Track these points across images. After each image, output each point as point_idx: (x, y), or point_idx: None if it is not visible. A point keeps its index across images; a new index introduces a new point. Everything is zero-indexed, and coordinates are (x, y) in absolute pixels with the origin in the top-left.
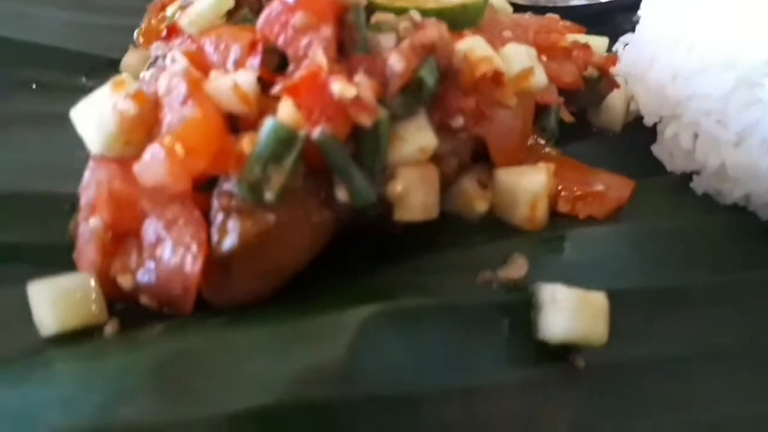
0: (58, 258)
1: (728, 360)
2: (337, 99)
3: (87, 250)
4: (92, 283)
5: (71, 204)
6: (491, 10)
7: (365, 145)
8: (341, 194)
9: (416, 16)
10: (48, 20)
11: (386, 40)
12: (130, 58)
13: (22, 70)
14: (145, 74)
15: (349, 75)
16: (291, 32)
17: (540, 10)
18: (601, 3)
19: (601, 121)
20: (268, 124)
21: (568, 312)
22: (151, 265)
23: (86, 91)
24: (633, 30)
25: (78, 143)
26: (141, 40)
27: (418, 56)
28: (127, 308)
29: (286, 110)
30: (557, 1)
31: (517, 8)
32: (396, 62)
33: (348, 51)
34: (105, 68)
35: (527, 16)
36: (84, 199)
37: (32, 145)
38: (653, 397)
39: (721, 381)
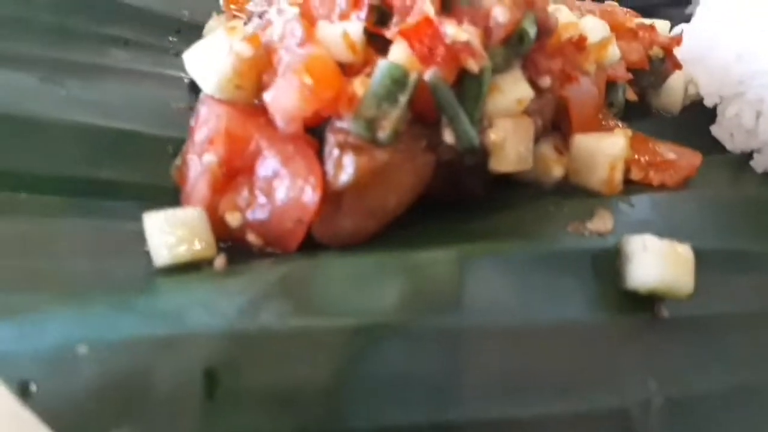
0: (163, 199)
1: None
2: (449, 42)
3: (199, 186)
4: (203, 216)
5: (173, 148)
6: None
7: (469, 91)
8: (448, 136)
9: None
10: None
11: None
12: (213, 23)
13: (113, 28)
14: (248, 28)
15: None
16: None
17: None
18: None
19: (661, 102)
20: (382, 64)
21: (659, 260)
22: (263, 200)
23: (173, 51)
24: (685, 22)
25: (171, 97)
26: (226, 4)
27: (521, 9)
28: (231, 247)
29: (401, 52)
30: None
31: None
32: (501, 14)
33: (452, 3)
34: (190, 31)
35: (588, 1)
36: (199, 135)
37: (129, 93)
38: (733, 350)
39: None
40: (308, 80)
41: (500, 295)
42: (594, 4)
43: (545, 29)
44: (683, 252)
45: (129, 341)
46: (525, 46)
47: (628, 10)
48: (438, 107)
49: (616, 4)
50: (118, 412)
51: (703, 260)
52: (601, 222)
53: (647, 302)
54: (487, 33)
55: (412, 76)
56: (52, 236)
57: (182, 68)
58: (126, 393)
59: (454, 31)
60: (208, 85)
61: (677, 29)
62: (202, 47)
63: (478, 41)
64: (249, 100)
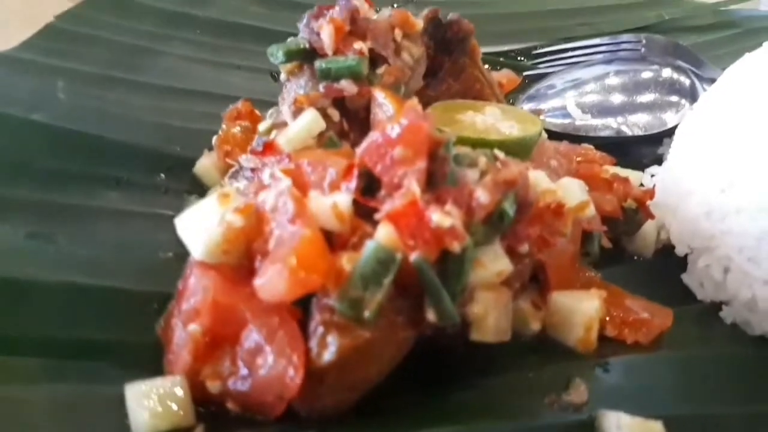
0: (146, 357)
1: None
2: (434, 227)
3: (182, 354)
4: (184, 386)
5: (158, 304)
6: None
7: (451, 269)
8: (430, 314)
9: (500, 154)
10: (129, 121)
11: (471, 173)
12: (205, 161)
13: (105, 167)
14: (238, 185)
15: (437, 204)
16: (389, 162)
17: (573, 139)
18: (626, 136)
19: (635, 247)
20: (369, 245)
21: None
22: (245, 372)
23: (163, 189)
24: (657, 162)
25: (160, 243)
26: (223, 147)
27: (501, 190)
28: (209, 412)
29: (387, 234)
30: (587, 131)
31: (551, 135)
32: (482, 195)
33: (437, 182)
34: (180, 168)
35: (565, 144)
36: (185, 305)
37: (117, 241)
38: None
39: None
40: (298, 268)
41: None
42: (570, 148)
43: (525, 204)
44: (655, 429)
45: None
46: (505, 224)
47: (602, 154)
48: (422, 286)
49: (591, 147)
50: None
51: (674, 429)
52: (577, 394)
53: None
54: (469, 212)
55: (398, 257)
56: (27, 406)
57: (171, 206)
58: None
59: (438, 217)
60: (198, 250)
61: (649, 170)
62: (193, 214)
63: (460, 223)
64: (236, 263)
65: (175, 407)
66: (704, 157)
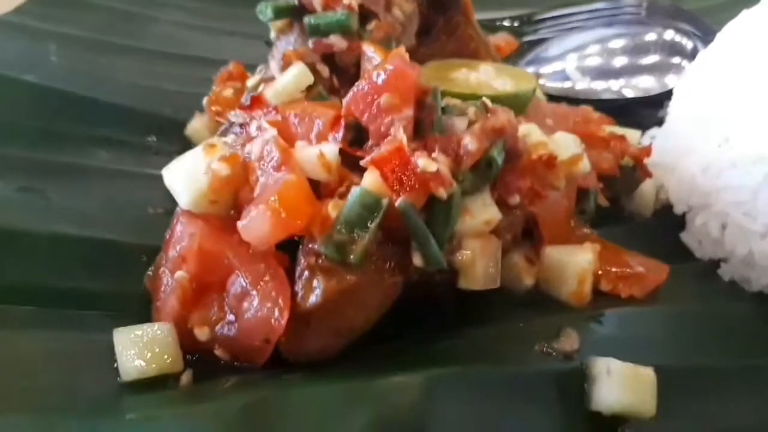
0: (135, 307)
1: None
2: (419, 172)
3: (169, 300)
4: (172, 333)
5: (147, 257)
6: (534, 98)
7: (438, 216)
8: (417, 259)
9: (488, 102)
10: (121, 84)
11: (459, 122)
12: (196, 123)
13: (96, 127)
14: (226, 139)
15: (426, 152)
16: (375, 110)
17: (572, 101)
18: (627, 98)
19: (633, 206)
20: (355, 191)
21: (621, 384)
22: (231, 317)
23: (154, 150)
24: (658, 124)
25: (151, 200)
26: (212, 107)
27: (489, 138)
28: (199, 359)
29: (373, 179)
30: (587, 94)
31: (551, 98)
32: (470, 142)
33: (425, 130)
34: (171, 130)
35: (563, 105)
36: (172, 252)
37: (108, 197)
38: None
39: None
40: (280, 210)
41: (467, 422)
42: (568, 109)
43: (514, 154)
44: (646, 375)
45: None
46: (493, 172)
47: (601, 115)
48: (409, 232)
49: (590, 108)
50: None
51: (669, 379)
52: (568, 342)
53: (612, 424)
54: (457, 160)
55: (384, 202)
56: (21, 351)
57: (162, 166)
58: None
59: (424, 162)
60: (184, 200)
61: (650, 132)
62: (179, 164)
63: (447, 169)
64: (224, 213)
65: (162, 353)
66: (701, 114)
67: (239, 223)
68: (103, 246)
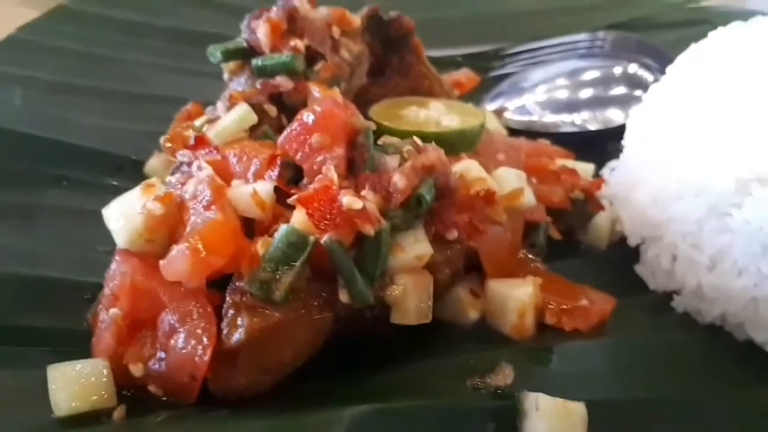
0: (76, 344)
1: None
2: (345, 210)
3: (104, 337)
4: (106, 369)
5: (91, 294)
6: (487, 132)
7: (367, 252)
8: (343, 295)
9: (418, 141)
10: (83, 125)
11: (391, 160)
12: (154, 161)
13: (55, 167)
14: (171, 178)
15: (357, 190)
16: (308, 150)
17: (532, 135)
18: (589, 131)
19: (588, 239)
20: (282, 229)
21: (549, 419)
22: (162, 354)
23: (112, 189)
24: (619, 157)
25: (101, 238)
26: (167, 145)
27: (418, 176)
28: (134, 395)
29: (299, 218)
30: (549, 128)
31: (512, 132)
32: (399, 180)
33: (357, 168)
34: (130, 169)
35: (521, 139)
36: (107, 289)
37: (58, 236)
38: None
39: None
40: (201, 249)
41: None
42: (525, 142)
43: (447, 190)
44: (575, 410)
45: None
46: (423, 209)
47: (558, 149)
48: (333, 270)
49: (548, 142)
50: None
51: (602, 413)
52: (501, 377)
53: None
54: (387, 197)
55: (310, 240)
56: None
57: None
58: None
59: (349, 200)
60: (120, 238)
61: (610, 164)
62: (117, 203)
63: (375, 207)
64: (160, 252)
65: (96, 388)
66: (652, 145)
67: (160, 262)
68: (47, 283)
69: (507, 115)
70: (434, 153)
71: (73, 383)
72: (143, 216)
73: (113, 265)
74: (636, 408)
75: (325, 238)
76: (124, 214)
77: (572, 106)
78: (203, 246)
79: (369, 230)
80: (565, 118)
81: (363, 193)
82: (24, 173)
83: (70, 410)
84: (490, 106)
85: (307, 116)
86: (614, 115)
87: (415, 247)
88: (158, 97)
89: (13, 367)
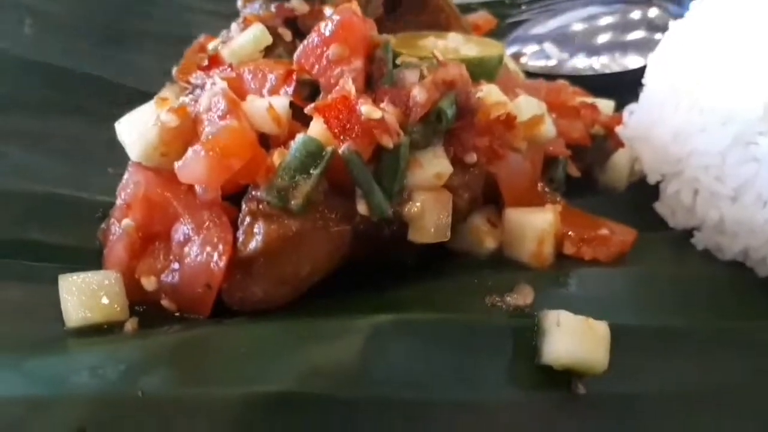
0: (87, 261)
1: (722, 401)
2: (363, 119)
3: (116, 249)
4: (118, 280)
5: (102, 212)
6: (506, 68)
7: (386, 166)
8: (361, 207)
9: (439, 54)
10: (96, 55)
11: (411, 75)
12: (166, 92)
13: (68, 96)
14: (185, 98)
15: (375, 104)
16: (325, 62)
17: (550, 78)
18: (608, 73)
19: (607, 178)
20: (299, 138)
21: (572, 336)
22: (176, 265)
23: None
24: (638, 100)
25: (113, 162)
26: (179, 75)
27: (439, 90)
28: (146, 311)
29: (317, 127)
30: (567, 72)
31: (529, 75)
32: (419, 93)
33: (375, 83)
34: (142, 102)
35: (539, 80)
36: (119, 200)
37: (70, 158)
38: (649, 429)
39: (713, 421)
40: (217, 150)
41: (407, 368)
42: (544, 83)
43: (467, 109)
44: (598, 328)
45: (4, 400)
46: (443, 125)
47: (577, 89)
48: (351, 182)
49: (566, 83)
50: None
51: (624, 337)
52: (521, 296)
53: (564, 379)
54: (406, 112)
55: (327, 150)
56: None
57: None
58: None
59: (368, 109)
60: (134, 152)
61: (628, 107)
62: (131, 117)
63: (394, 119)
64: (174, 168)
65: (108, 299)
66: (673, 83)
67: (176, 164)
68: (58, 201)
69: (524, 60)
70: (455, 68)
71: (85, 293)
72: (157, 128)
73: (126, 176)
74: (657, 335)
75: (343, 148)
76: (138, 127)
77: (591, 50)
78: (220, 149)
79: (388, 142)
80: (584, 62)
81: (382, 105)
82: (36, 100)
83: (81, 321)
84: (508, 51)
85: (324, 26)
86: (633, 60)
87: (435, 164)
88: (170, 34)
89: (25, 281)
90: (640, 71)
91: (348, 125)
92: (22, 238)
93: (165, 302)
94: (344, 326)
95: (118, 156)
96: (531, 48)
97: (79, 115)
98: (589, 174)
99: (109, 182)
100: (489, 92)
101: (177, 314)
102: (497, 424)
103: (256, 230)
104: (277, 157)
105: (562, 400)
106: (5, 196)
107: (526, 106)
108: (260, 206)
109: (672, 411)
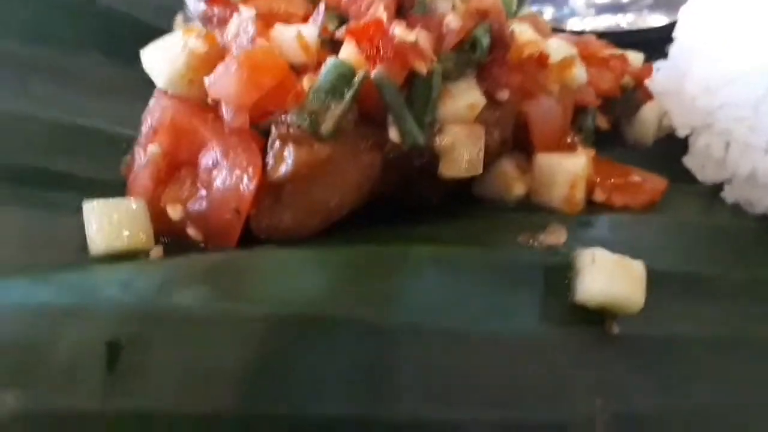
0: (112, 192)
1: (755, 348)
2: (396, 42)
3: (141, 177)
4: (143, 207)
5: (127, 144)
6: (534, 17)
7: (418, 94)
8: (393, 133)
9: None
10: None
11: (443, 4)
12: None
13: (93, 31)
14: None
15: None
16: None
17: (577, 34)
18: (634, 30)
19: (634, 132)
20: (330, 61)
21: (607, 274)
22: (203, 192)
23: None
24: (665, 57)
25: (139, 97)
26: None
27: (473, 19)
28: (172, 242)
29: (348, 50)
30: (595, 28)
31: (555, 32)
32: (453, 20)
33: (406, 12)
34: None
35: (566, 34)
36: (145, 126)
37: (98, 92)
38: (683, 372)
39: (747, 367)
40: (249, 66)
41: (438, 296)
42: (570, 36)
43: (501, 41)
44: (634, 267)
45: (33, 308)
46: (477, 54)
47: (604, 43)
48: (384, 106)
49: (593, 36)
50: (9, 375)
51: (659, 280)
52: (554, 236)
53: (598, 318)
54: (439, 39)
55: (359, 74)
56: None
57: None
58: (20, 357)
59: (401, 31)
60: (161, 79)
61: (656, 65)
62: (157, 44)
63: (428, 45)
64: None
65: (133, 227)
66: (702, 37)
67: (206, 79)
68: (85, 132)
69: (548, 17)
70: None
71: (110, 220)
72: (185, 55)
73: (152, 102)
74: (690, 281)
75: (375, 72)
76: (166, 55)
77: (618, 8)
78: (252, 64)
79: (421, 67)
80: (611, 19)
81: (415, 31)
82: (60, 34)
83: (106, 248)
84: (533, 8)
85: None
86: (659, 19)
87: (467, 95)
88: None
89: (49, 209)
90: (667, 29)
91: (381, 49)
92: (47, 168)
93: (191, 231)
94: (377, 254)
95: (147, 95)
96: (557, 5)
97: (107, 51)
98: (617, 128)
99: (136, 119)
100: (522, 30)
101: (202, 246)
102: (530, 358)
103: (286, 154)
104: (306, 81)
105: (596, 339)
106: (31, 122)
107: (558, 48)
108: (290, 130)
109: (705, 356)
